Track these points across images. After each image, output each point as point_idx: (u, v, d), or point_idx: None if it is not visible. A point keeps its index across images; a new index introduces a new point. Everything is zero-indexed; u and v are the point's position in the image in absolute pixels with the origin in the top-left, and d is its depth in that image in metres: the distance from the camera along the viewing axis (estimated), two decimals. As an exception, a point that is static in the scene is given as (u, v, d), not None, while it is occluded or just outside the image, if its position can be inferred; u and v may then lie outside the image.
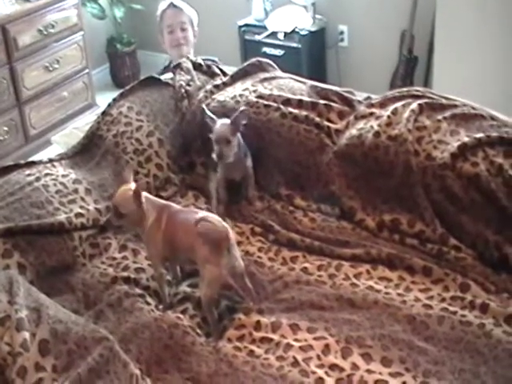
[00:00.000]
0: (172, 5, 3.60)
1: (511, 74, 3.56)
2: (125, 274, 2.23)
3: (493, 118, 2.44)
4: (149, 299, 2.15)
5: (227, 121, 2.47)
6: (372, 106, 2.65)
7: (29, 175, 2.47)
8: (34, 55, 4.22)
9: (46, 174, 2.50)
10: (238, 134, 2.49)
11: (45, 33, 4.24)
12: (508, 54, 3.53)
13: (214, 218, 2.03)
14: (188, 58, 3.16)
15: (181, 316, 2.05)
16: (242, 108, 2.48)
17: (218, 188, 2.59)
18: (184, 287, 2.20)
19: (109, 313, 2.06)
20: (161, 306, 2.13)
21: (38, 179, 2.46)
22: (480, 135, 2.33)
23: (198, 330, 2.02)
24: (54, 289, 2.15)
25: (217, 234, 1.97)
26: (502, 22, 3.50)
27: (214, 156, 2.45)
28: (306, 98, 2.74)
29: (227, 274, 1.99)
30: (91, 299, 2.14)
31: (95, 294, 2.15)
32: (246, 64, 3.10)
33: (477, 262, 2.18)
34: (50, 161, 2.65)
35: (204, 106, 2.68)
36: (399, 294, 2.07)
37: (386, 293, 2.08)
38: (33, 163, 2.60)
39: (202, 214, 2.08)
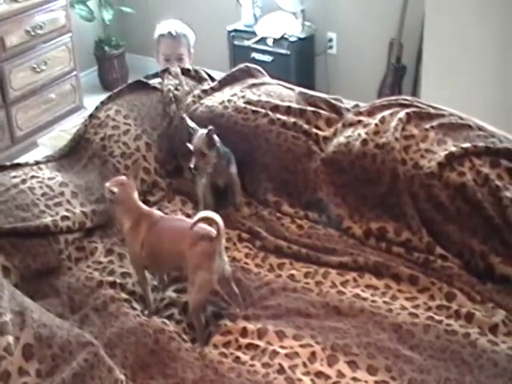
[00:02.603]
0: (170, 34, 3.50)
1: (499, 84, 3.59)
2: (110, 278, 2.22)
3: (480, 128, 2.45)
4: (134, 304, 2.13)
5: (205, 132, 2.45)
6: (360, 113, 2.66)
7: (14, 177, 2.45)
8: (21, 56, 4.20)
9: (32, 177, 2.48)
10: (218, 144, 2.47)
11: (32, 34, 4.21)
12: (496, 63, 3.56)
13: (211, 215, 2.01)
14: None
15: (166, 321, 2.04)
16: (210, 127, 2.42)
17: (204, 193, 2.58)
18: (170, 292, 2.19)
19: (94, 317, 2.05)
20: (146, 312, 2.11)
21: (23, 181, 2.44)
22: (467, 145, 2.34)
23: (184, 336, 2.01)
24: (38, 292, 2.13)
25: (210, 240, 1.96)
26: (490, 31, 3.52)
27: (191, 166, 2.43)
28: (294, 105, 2.75)
29: (217, 279, 1.99)
30: (76, 303, 2.12)
31: (80, 298, 2.14)
32: (234, 69, 3.10)
33: (463, 271, 2.19)
34: (37, 163, 2.62)
35: (185, 115, 2.66)
36: (385, 303, 2.07)
37: (373, 301, 2.08)
38: (19, 165, 2.58)
39: (189, 220, 2.06)
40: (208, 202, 2.57)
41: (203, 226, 2.00)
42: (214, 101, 2.87)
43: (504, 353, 1.84)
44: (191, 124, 2.51)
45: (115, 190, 2.11)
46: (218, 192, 2.61)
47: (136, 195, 2.17)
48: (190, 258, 1.97)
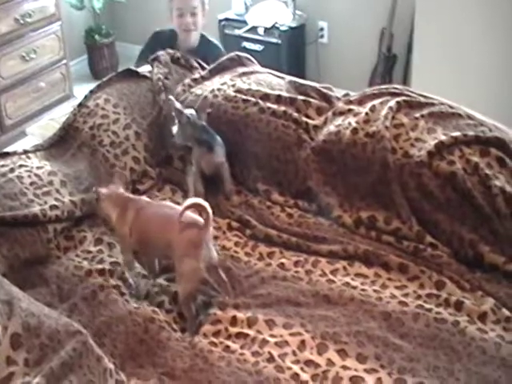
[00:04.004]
0: None
1: (489, 73, 3.59)
2: (100, 266, 2.21)
3: (470, 116, 2.45)
4: (124, 290, 2.13)
5: (192, 111, 2.54)
6: (350, 102, 2.65)
7: (3, 166, 2.44)
8: (10, 44, 4.17)
9: (21, 166, 2.47)
10: (199, 130, 2.54)
11: (21, 22, 4.18)
12: (486, 53, 3.56)
13: (191, 213, 2.02)
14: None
15: (157, 310, 2.04)
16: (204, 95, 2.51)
17: (194, 182, 2.58)
18: (161, 280, 2.19)
19: (83, 306, 2.04)
20: (132, 297, 2.11)
21: (12, 170, 2.43)
22: (457, 134, 2.34)
23: (174, 325, 2.01)
24: (27, 281, 2.12)
25: (198, 229, 1.96)
26: (481, 21, 3.53)
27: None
28: (284, 94, 2.74)
29: (205, 267, 1.99)
30: (65, 292, 2.11)
31: (69, 287, 2.13)
32: (224, 58, 3.08)
33: (452, 259, 2.20)
34: (25, 152, 2.61)
35: (172, 97, 2.68)
36: (375, 291, 2.07)
37: (363, 289, 2.08)
38: (7, 154, 2.57)
39: (178, 207, 2.06)
40: (198, 190, 2.57)
41: (191, 214, 1.99)
42: (203, 89, 2.85)
43: (493, 341, 1.85)
44: (177, 105, 2.53)
45: (102, 190, 2.15)
46: (208, 181, 2.60)
47: (122, 190, 2.19)
48: (177, 246, 1.97)
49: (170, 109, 2.66)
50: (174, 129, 2.60)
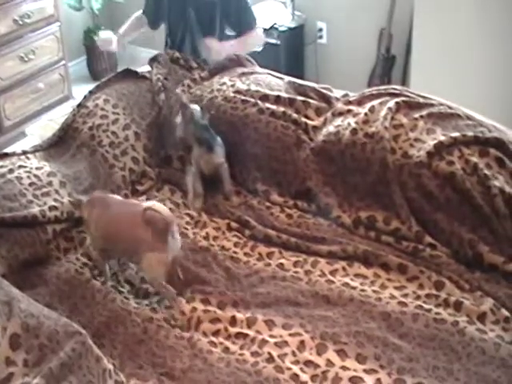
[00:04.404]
0: None
1: (488, 74, 3.59)
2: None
3: (469, 117, 2.46)
4: (121, 288, 2.15)
5: (197, 107, 2.60)
6: (349, 103, 2.66)
7: (2, 167, 2.44)
8: (9, 45, 4.16)
9: (20, 166, 2.47)
10: (198, 128, 2.57)
11: (20, 23, 4.18)
12: (485, 53, 3.56)
13: (159, 205, 2.05)
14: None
15: (156, 307, 2.05)
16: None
17: (194, 182, 2.57)
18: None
19: (82, 307, 2.04)
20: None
21: (11, 171, 2.42)
22: (456, 134, 2.34)
23: (173, 322, 2.01)
24: (26, 282, 2.12)
25: (164, 221, 1.98)
26: (478, 21, 3.52)
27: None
28: (283, 94, 2.74)
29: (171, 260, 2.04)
30: (65, 293, 2.11)
31: (69, 288, 2.13)
32: (223, 59, 3.08)
33: (451, 260, 2.20)
34: (24, 153, 2.61)
35: (179, 90, 2.70)
36: (374, 291, 2.07)
37: (362, 290, 2.08)
38: (6, 155, 2.57)
39: (146, 203, 2.08)
40: (197, 191, 2.57)
41: (153, 212, 2.01)
42: (203, 90, 2.86)
43: (492, 341, 1.85)
44: (184, 99, 2.55)
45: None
46: (207, 181, 2.60)
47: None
48: (143, 240, 2.00)
49: (176, 102, 2.68)
50: (177, 120, 2.62)
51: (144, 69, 3.06)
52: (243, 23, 3.17)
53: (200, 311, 2.03)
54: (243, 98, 2.72)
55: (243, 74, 2.91)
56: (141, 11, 3.36)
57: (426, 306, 2.00)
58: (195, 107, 2.61)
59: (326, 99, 2.74)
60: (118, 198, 2.25)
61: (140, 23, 3.45)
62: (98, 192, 2.30)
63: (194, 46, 3.16)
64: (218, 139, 2.56)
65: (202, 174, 2.58)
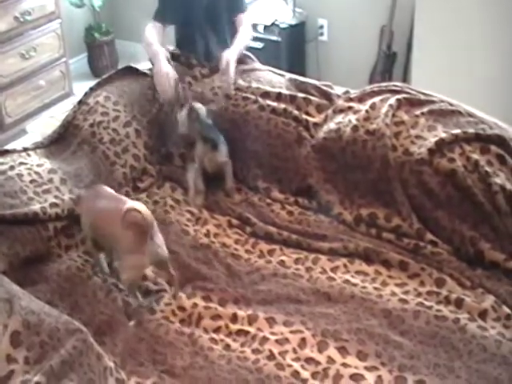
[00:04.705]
0: None
1: (489, 71, 3.58)
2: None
3: (470, 114, 2.45)
4: (122, 286, 2.13)
5: (202, 107, 2.62)
6: (350, 100, 2.65)
7: (2, 164, 2.43)
8: (10, 42, 4.15)
9: (21, 163, 2.46)
10: (204, 126, 2.58)
11: (21, 20, 4.17)
12: (486, 50, 3.55)
13: (140, 205, 2.01)
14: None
15: (155, 307, 2.05)
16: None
17: (195, 179, 2.57)
18: (160, 279, 2.18)
19: (83, 304, 2.04)
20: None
21: (12, 168, 2.42)
22: (457, 131, 2.34)
23: (172, 318, 2.01)
24: (27, 279, 2.12)
25: (144, 223, 1.96)
26: (479, 18, 3.52)
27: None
28: (284, 91, 2.74)
29: (149, 262, 2.02)
30: (66, 290, 2.11)
31: (70, 285, 2.13)
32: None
33: (452, 257, 2.20)
34: (25, 150, 2.61)
35: (186, 86, 2.75)
36: (376, 288, 2.07)
37: (363, 287, 2.08)
38: (7, 152, 2.56)
39: (128, 203, 2.04)
40: (199, 187, 2.57)
41: (134, 213, 1.98)
42: (203, 87, 2.85)
43: (493, 338, 1.85)
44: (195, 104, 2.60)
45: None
46: (209, 178, 2.60)
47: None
48: (122, 240, 2.00)
49: (172, 107, 2.67)
50: (181, 116, 2.63)
51: (145, 66, 3.05)
52: (235, 6, 3.11)
53: (201, 307, 2.03)
54: (244, 95, 2.72)
55: (244, 70, 2.91)
56: (150, 25, 3.03)
57: (427, 303, 2.00)
58: (200, 106, 2.61)
59: (327, 96, 2.73)
60: (111, 192, 2.21)
61: (160, 31, 3.05)
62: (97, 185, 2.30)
63: (208, 51, 3.10)
64: (222, 138, 2.57)
65: (204, 171, 2.58)
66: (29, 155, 2.56)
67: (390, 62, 4.31)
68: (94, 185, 2.32)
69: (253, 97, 2.71)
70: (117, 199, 2.14)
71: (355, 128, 2.46)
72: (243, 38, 2.94)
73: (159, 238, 2.04)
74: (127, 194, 2.58)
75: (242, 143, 2.67)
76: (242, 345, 1.90)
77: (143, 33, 2.96)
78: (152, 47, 2.87)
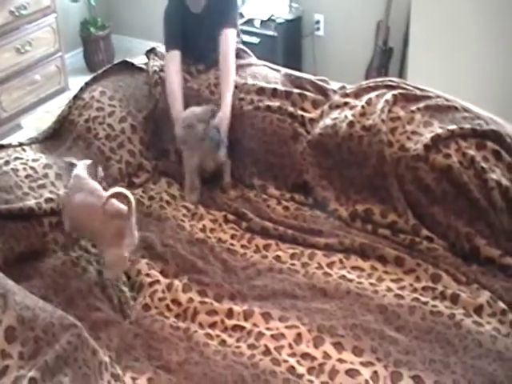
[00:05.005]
0: None
1: (485, 66, 3.58)
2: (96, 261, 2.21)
3: (466, 109, 2.45)
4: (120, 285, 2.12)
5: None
6: (346, 95, 2.65)
7: (-2, 158, 2.43)
8: (5, 37, 4.13)
9: (16, 158, 2.46)
10: (210, 127, 2.51)
11: (16, 14, 4.15)
12: (482, 46, 3.55)
13: (121, 189, 2.02)
14: None
15: (148, 301, 2.05)
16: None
17: (191, 174, 2.57)
18: (154, 271, 2.18)
19: (78, 299, 2.04)
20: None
21: (7, 163, 2.41)
22: (453, 127, 2.34)
23: (167, 313, 2.01)
24: (22, 274, 2.11)
25: (122, 216, 1.97)
26: (477, 13, 3.51)
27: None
28: (280, 87, 2.73)
29: (128, 255, 2.03)
30: (61, 285, 2.10)
31: (65, 281, 2.12)
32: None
33: (448, 252, 2.20)
34: (20, 145, 2.60)
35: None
36: (371, 284, 2.07)
37: (359, 282, 2.08)
38: (2, 147, 2.55)
39: (104, 193, 2.04)
40: (194, 184, 2.56)
41: (115, 202, 1.99)
42: (199, 84, 2.85)
43: (488, 334, 1.85)
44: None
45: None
46: (204, 176, 2.60)
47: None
48: (101, 235, 2.00)
49: (167, 102, 2.65)
50: (179, 132, 2.56)
51: (141, 60, 3.04)
52: (224, 19, 2.86)
53: (197, 302, 2.03)
54: (239, 95, 2.72)
55: (240, 66, 2.90)
56: (168, 57, 2.88)
57: (423, 299, 2.00)
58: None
59: (323, 92, 2.73)
60: (93, 185, 2.17)
61: (177, 58, 2.88)
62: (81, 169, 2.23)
63: (203, 55, 3.02)
64: (219, 135, 2.56)
65: (202, 170, 2.57)
66: (24, 150, 2.55)
67: (386, 58, 4.30)
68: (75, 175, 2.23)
69: (248, 97, 2.71)
70: (94, 193, 2.12)
71: (351, 124, 2.45)
72: (229, 86, 2.74)
73: (135, 229, 2.04)
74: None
75: (237, 142, 2.67)
76: (238, 340, 1.90)
77: (165, 65, 2.86)
78: (172, 94, 2.74)
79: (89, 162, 2.30)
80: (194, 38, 2.88)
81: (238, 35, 2.96)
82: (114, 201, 1.99)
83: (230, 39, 2.81)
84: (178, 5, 2.89)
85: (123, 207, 1.98)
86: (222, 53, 2.78)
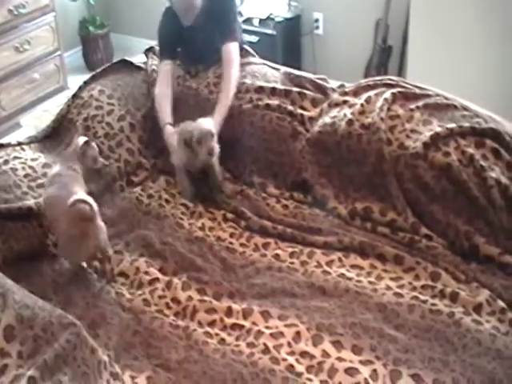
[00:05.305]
0: None
1: (484, 64, 3.58)
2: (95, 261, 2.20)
3: (465, 108, 2.45)
4: (119, 285, 2.13)
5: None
6: (346, 93, 2.65)
7: (-3, 158, 2.43)
8: (4, 35, 4.14)
9: (15, 158, 2.46)
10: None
11: (15, 13, 4.15)
12: (481, 43, 3.55)
13: (86, 197, 2.04)
14: None
15: (148, 298, 2.05)
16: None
17: (180, 178, 2.56)
18: (153, 269, 2.18)
19: (77, 298, 2.04)
20: None
21: (6, 162, 2.41)
22: (452, 125, 2.34)
23: (166, 311, 2.01)
24: (21, 274, 2.10)
25: (89, 215, 2.00)
26: (476, 11, 3.51)
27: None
28: (279, 86, 2.73)
29: (92, 252, 2.08)
30: (59, 284, 2.11)
31: (64, 279, 2.12)
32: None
33: (447, 251, 2.19)
34: (19, 144, 2.60)
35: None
36: (371, 282, 2.07)
37: (358, 281, 2.08)
38: (1, 146, 2.56)
39: (76, 194, 2.06)
40: (185, 186, 2.55)
41: (81, 204, 2.01)
42: (199, 83, 2.84)
43: (488, 332, 1.85)
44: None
45: None
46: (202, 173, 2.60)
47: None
48: (62, 234, 2.05)
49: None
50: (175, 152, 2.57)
51: (139, 59, 3.04)
52: (226, 32, 2.85)
53: (196, 301, 2.03)
54: (239, 94, 2.72)
55: (239, 64, 2.89)
56: (162, 68, 2.88)
57: (422, 297, 2.00)
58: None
59: (322, 90, 2.73)
60: (67, 181, 2.20)
61: (170, 69, 2.89)
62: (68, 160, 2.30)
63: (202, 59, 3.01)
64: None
65: (188, 168, 2.56)
66: (23, 149, 2.55)
67: (386, 56, 4.30)
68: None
69: (247, 96, 2.70)
70: (66, 187, 2.15)
71: (350, 122, 2.45)
72: (227, 99, 2.70)
73: (102, 233, 2.08)
74: (122, 188, 2.57)
75: (236, 140, 2.67)
76: (237, 339, 1.90)
77: (157, 76, 2.85)
78: (161, 115, 2.74)
79: (85, 139, 2.36)
80: (189, 50, 2.88)
81: (242, 49, 2.93)
82: (81, 204, 2.01)
83: (231, 53, 2.79)
84: (173, 19, 2.87)
85: (87, 209, 2.00)
86: (224, 68, 2.76)
